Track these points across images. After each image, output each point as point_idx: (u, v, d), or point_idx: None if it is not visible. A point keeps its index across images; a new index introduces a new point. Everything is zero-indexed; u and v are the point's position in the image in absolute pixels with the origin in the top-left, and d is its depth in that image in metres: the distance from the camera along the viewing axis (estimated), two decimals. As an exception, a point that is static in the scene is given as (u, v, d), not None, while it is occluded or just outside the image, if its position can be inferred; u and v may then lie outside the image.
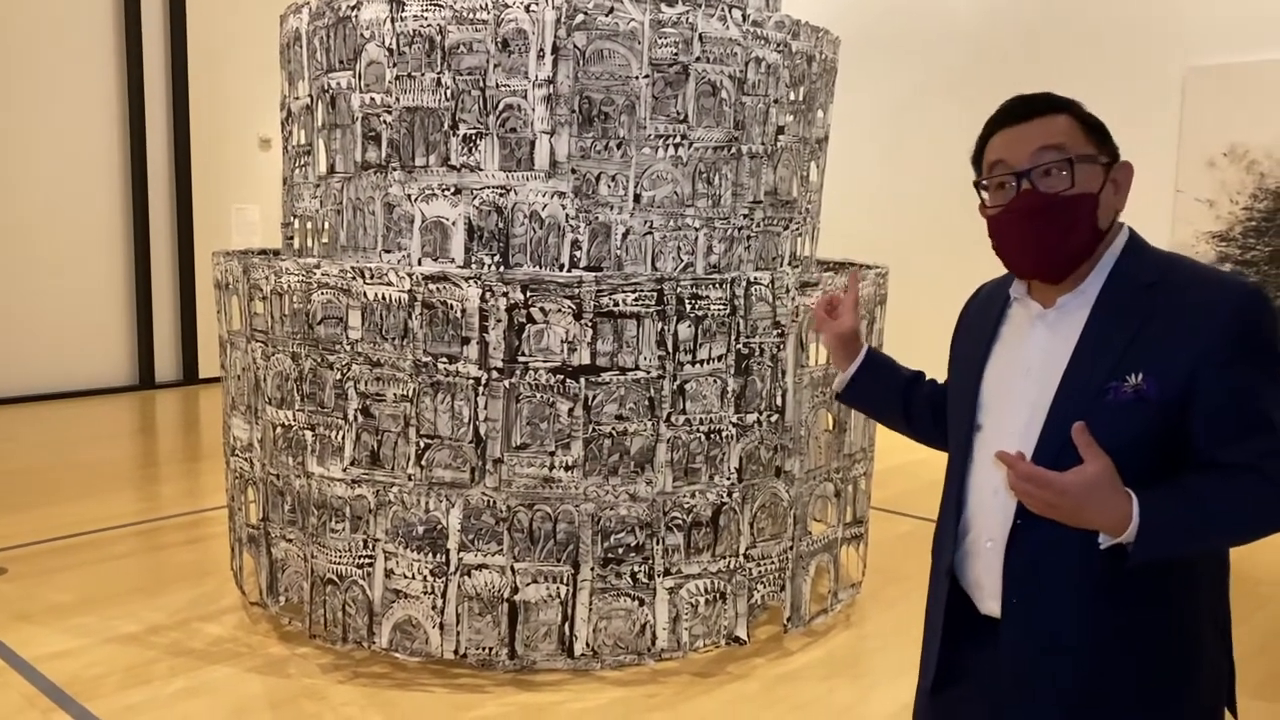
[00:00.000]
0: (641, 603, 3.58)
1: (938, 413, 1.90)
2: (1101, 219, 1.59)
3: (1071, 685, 1.57)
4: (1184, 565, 1.54)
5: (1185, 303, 1.51)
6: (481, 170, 3.70)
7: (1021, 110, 1.61)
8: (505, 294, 3.38)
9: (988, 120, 1.66)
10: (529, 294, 3.39)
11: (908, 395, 2.00)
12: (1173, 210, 7.20)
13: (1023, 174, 1.58)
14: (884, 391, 2.03)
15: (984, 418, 1.69)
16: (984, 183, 1.65)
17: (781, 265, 4.14)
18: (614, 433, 3.48)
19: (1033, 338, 1.65)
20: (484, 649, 3.55)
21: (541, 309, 3.40)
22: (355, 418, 3.54)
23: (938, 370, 1.98)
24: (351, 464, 3.56)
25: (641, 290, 3.45)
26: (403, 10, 3.68)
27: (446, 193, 3.73)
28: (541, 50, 3.61)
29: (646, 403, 3.50)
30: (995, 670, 1.65)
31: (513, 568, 3.49)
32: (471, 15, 3.63)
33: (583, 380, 3.43)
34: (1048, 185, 1.57)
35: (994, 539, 1.63)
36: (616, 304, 3.43)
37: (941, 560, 1.75)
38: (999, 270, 1.75)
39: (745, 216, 3.94)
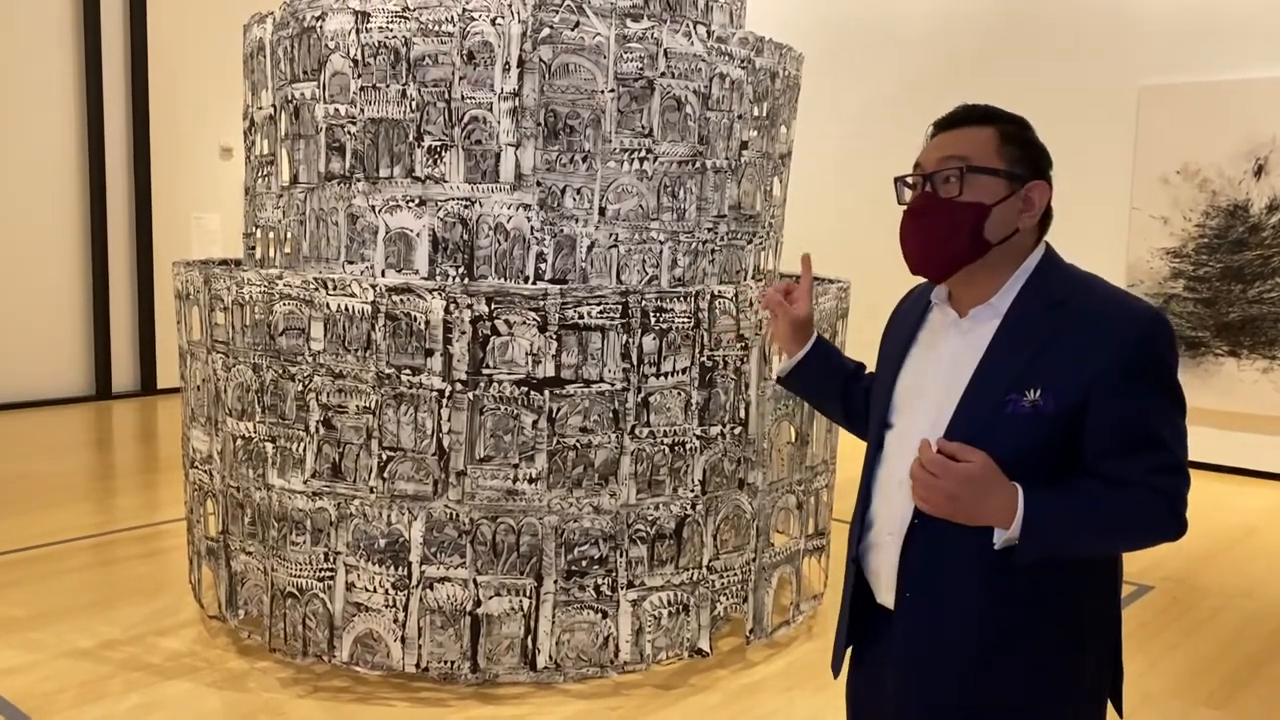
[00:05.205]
0: (605, 615, 3.58)
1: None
2: (993, 230, 1.64)
3: (959, 683, 1.64)
4: (1070, 570, 1.61)
5: (1089, 323, 1.58)
6: (446, 182, 3.70)
7: (953, 119, 1.70)
8: (470, 306, 3.38)
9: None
10: (493, 306, 3.39)
11: (848, 387, 2.04)
12: (1128, 226, 7.34)
13: (926, 177, 1.67)
14: (827, 380, 2.06)
15: (895, 417, 1.76)
16: (908, 180, 1.73)
17: (745, 279, 4.17)
18: (578, 445, 3.49)
19: (945, 343, 1.71)
20: (446, 662, 3.54)
21: (506, 321, 3.40)
22: (317, 430, 3.52)
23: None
24: (313, 476, 3.54)
25: (606, 303, 3.46)
26: (368, 22, 3.68)
27: (411, 204, 3.72)
28: (507, 63, 3.62)
29: (611, 415, 3.50)
30: (893, 659, 1.72)
31: (475, 581, 3.48)
32: (437, 27, 3.63)
33: (547, 393, 3.43)
34: (945, 191, 1.65)
35: (893, 532, 1.69)
36: (581, 316, 3.44)
37: (850, 551, 1.82)
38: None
39: (710, 230, 3.96)
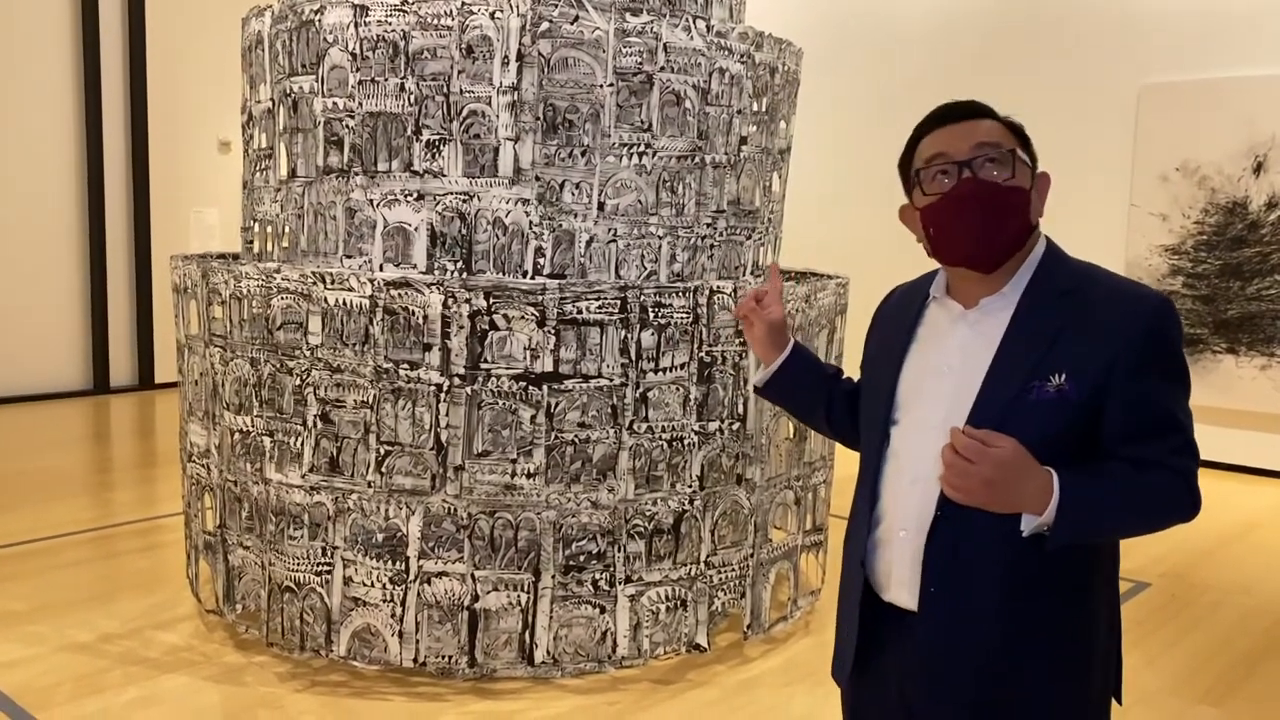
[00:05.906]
0: (602, 610, 3.58)
1: (855, 411, 1.93)
2: (1032, 215, 1.66)
3: (978, 677, 1.63)
4: (1086, 555, 1.62)
5: (1102, 311, 1.60)
6: (445, 176, 3.69)
7: (955, 113, 1.68)
8: (468, 300, 3.37)
9: (917, 125, 1.72)
10: (492, 301, 3.38)
11: (830, 392, 2.01)
12: (1127, 223, 7.33)
13: (964, 163, 1.63)
14: (807, 387, 2.03)
15: (900, 413, 1.73)
16: (920, 171, 1.69)
17: (744, 274, 4.17)
18: (576, 440, 3.48)
19: (953, 336, 1.70)
20: (444, 657, 3.54)
21: (504, 316, 3.40)
22: (314, 424, 3.52)
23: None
24: (310, 470, 3.54)
25: (605, 298, 3.46)
26: (366, 15, 3.67)
27: (409, 198, 3.71)
28: (506, 57, 3.62)
29: (609, 410, 3.50)
30: (903, 659, 1.70)
31: (473, 575, 3.48)
32: (436, 21, 3.63)
33: (545, 387, 3.43)
34: (987, 174, 1.63)
35: (908, 529, 1.67)
36: (580, 311, 3.44)
37: (855, 551, 1.79)
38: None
39: (708, 225, 3.96)
